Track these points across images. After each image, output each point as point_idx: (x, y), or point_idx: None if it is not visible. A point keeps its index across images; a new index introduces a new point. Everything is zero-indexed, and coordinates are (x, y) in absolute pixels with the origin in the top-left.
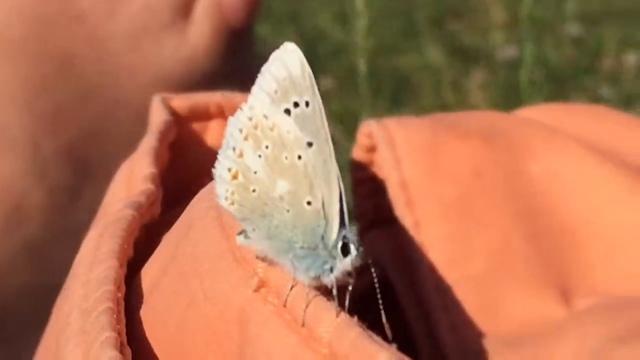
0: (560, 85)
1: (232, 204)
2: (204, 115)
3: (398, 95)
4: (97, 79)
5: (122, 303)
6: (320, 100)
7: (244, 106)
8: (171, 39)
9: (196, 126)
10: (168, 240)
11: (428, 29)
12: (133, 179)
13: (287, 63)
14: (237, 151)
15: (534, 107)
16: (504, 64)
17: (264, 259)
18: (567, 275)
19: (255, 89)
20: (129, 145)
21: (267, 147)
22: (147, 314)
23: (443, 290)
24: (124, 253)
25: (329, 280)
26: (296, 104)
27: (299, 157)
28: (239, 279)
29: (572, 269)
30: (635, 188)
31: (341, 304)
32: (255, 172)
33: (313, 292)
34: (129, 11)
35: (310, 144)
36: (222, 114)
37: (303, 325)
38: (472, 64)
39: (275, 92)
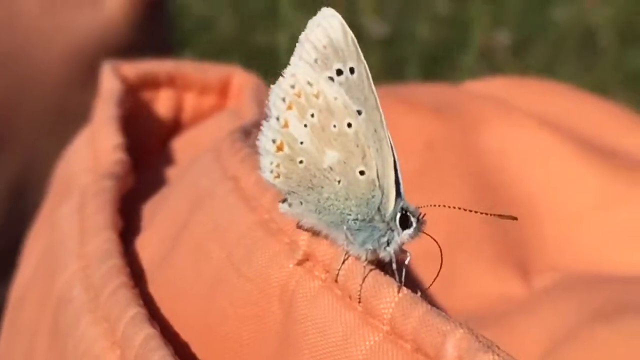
0: (433, 63)
1: (278, 176)
2: (154, 83)
3: (267, 74)
4: (8, 48)
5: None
6: (367, 66)
7: (285, 74)
8: (86, 8)
9: (146, 95)
10: (166, 213)
11: (294, 8)
12: (99, 149)
13: (327, 29)
14: (282, 121)
15: (485, 81)
16: (375, 43)
17: (308, 230)
18: (524, 251)
19: (294, 59)
20: (44, 120)
21: (312, 115)
22: (159, 290)
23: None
24: (116, 225)
25: (387, 253)
26: (339, 72)
27: (349, 125)
28: (276, 252)
29: (528, 244)
30: (588, 164)
31: (400, 279)
32: (301, 143)
33: (369, 267)
34: None
35: (359, 112)
36: (172, 83)
37: (359, 301)
38: None
39: (316, 60)
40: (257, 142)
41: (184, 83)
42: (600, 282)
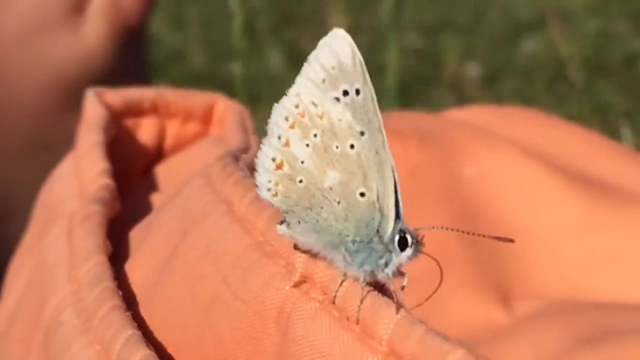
0: (404, 95)
1: (276, 195)
2: (137, 111)
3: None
4: None
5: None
6: (372, 88)
7: (290, 93)
8: (65, 37)
9: (129, 122)
10: (156, 237)
11: (266, 35)
12: (85, 175)
13: (336, 50)
14: (283, 140)
15: (465, 109)
16: None
17: (306, 252)
18: (505, 278)
19: (300, 79)
20: (24, 148)
21: (315, 135)
22: (151, 314)
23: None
24: (106, 249)
25: (384, 275)
26: (345, 92)
27: (352, 147)
28: (272, 274)
29: (510, 271)
30: (568, 190)
31: (398, 300)
32: (302, 162)
33: (367, 288)
34: (19, 7)
35: (362, 133)
36: (155, 110)
37: (358, 322)
38: None
39: (323, 81)
40: (255, 160)
41: (167, 110)
42: (582, 308)
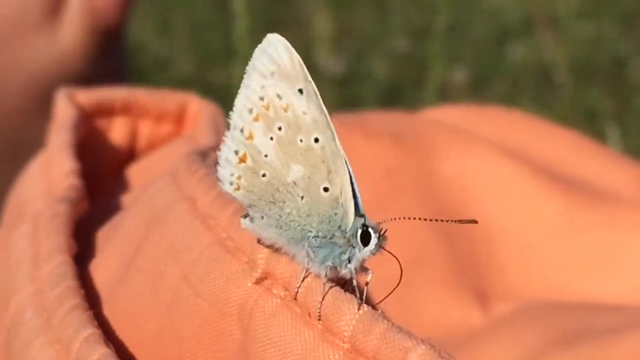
0: (390, 101)
1: (238, 189)
2: (109, 111)
3: (225, 112)
4: None
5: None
6: (314, 84)
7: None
8: (42, 40)
9: (101, 122)
10: (121, 236)
11: (252, 40)
12: (53, 174)
13: (273, 55)
14: (246, 132)
15: (442, 109)
16: (332, 81)
17: (269, 247)
18: (482, 279)
19: (241, 90)
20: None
21: (280, 128)
22: (114, 312)
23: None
24: (70, 249)
25: (347, 271)
26: None
27: (316, 140)
28: (234, 271)
29: (487, 272)
30: (547, 191)
31: (361, 296)
32: (266, 156)
33: (329, 284)
34: None
35: None
36: (127, 110)
37: (319, 319)
38: None
39: (263, 87)
40: (218, 153)
41: (139, 110)
42: (559, 309)
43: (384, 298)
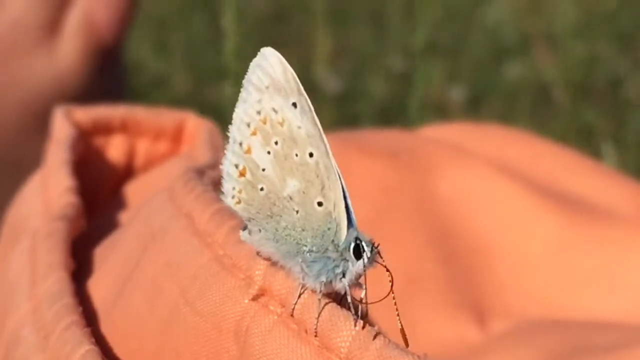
0: (386, 119)
1: (239, 202)
2: (106, 129)
3: (223, 130)
4: None
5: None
6: (307, 98)
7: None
8: (40, 58)
9: (98, 140)
10: (119, 253)
11: (251, 57)
12: (50, 192)
13: (267, 69)
14: (245, 146)
15: (440, 127)
16: (329, 98)
17: (266, 260)
18: (480, 296)
19: (239, 104)
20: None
21: (276, 143)
22: (112, 329)
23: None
24: (68, 266)
25: (342, 285)
26: None
27: (311, 155)
28: (231, 288)
29: (484, 289)
30: (545, 208)
31: (356, 312)
32: (263, 170)
33: (325, 299)
34: None
35: None
36: (125, 128)
37: (316, 335)
38: None
39: (259, 101)
40: (221, 166)
41: (136, 129)
42: (557, 326)
43: (369, 304)
